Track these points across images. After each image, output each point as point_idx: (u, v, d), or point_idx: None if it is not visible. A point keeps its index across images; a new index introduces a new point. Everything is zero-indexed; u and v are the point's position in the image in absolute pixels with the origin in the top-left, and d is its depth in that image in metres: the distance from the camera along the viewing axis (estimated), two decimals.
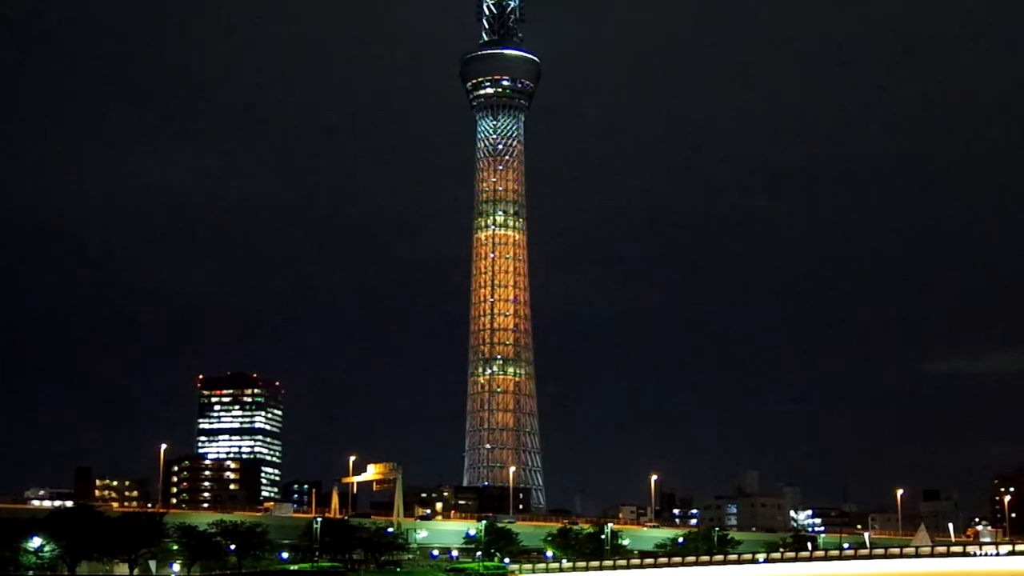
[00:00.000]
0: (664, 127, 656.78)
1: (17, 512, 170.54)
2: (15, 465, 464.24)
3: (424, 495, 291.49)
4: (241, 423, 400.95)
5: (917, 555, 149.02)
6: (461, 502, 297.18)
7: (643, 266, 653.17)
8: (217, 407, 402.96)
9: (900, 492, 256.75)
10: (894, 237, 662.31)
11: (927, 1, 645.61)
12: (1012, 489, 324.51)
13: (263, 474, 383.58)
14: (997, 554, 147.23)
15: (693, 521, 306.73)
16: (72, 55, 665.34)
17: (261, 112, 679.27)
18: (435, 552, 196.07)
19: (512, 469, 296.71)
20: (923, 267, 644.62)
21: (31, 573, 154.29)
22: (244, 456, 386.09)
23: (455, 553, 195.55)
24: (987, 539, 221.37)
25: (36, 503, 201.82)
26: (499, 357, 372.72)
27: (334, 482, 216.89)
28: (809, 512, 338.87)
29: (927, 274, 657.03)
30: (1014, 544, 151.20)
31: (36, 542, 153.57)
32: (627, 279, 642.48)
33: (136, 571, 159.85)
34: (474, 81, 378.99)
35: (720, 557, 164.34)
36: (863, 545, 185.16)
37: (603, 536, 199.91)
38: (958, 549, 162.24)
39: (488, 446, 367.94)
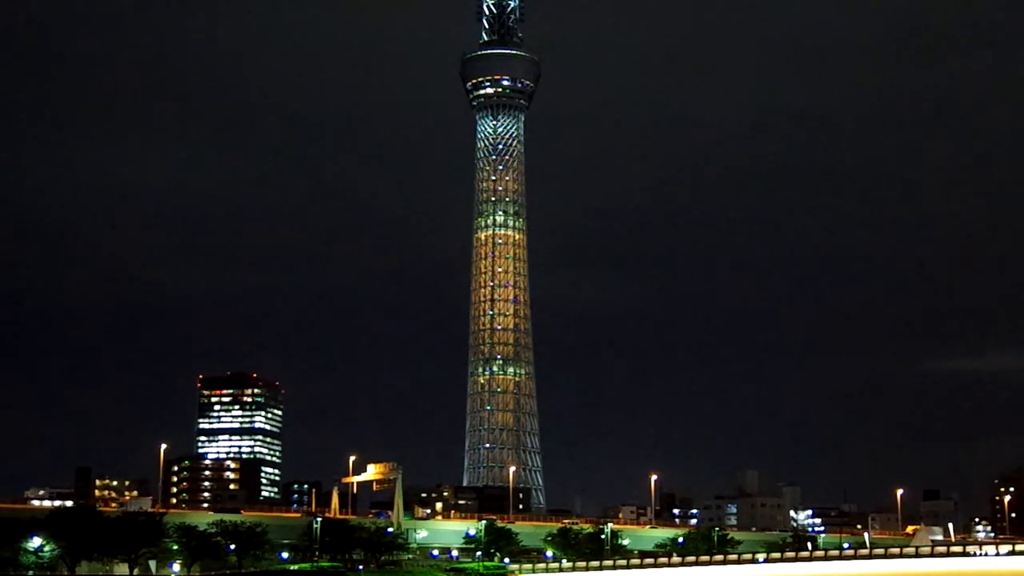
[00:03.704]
0: (664, 127, 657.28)
1: (17, 512, 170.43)
2: (15, 465, 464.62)
3: (424, 495, 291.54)
4: (241, 423, 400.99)
5: (917, 555, 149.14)
6: (461, 502, 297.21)
7: (643, 266, 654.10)
8: (217, 407, 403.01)
9: (900, 492, 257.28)
10: (894, 236, 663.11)
11: (927, 1, 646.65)
12: (1012, 489, 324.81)
13: (263, 474, 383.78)
14: (997, 554, 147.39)
15: (693, 521, 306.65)
16: (71, 55, 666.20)
17: (260, 112, 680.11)
18: (435, 552, 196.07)
19: (512, 469, 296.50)
20: (923, 266, 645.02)
21: (31, 573, 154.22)
22: (244, 456, 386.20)
23: (455, 553, 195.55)
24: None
25: (36, 503, 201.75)
26: (499, 357, 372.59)
27: (334, 482, 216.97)
28: (809, 512, 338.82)
29: (927, 273, 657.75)
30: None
31: (36, 542, 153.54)
32: (627, 279, 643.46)
33: (136, 571, 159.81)
34: (474, 81, 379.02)
35: (720, 557, 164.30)
36: (863, 545, 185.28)
37: (603, 536, 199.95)
38: (958, 549, 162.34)
39: (488, 446, 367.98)
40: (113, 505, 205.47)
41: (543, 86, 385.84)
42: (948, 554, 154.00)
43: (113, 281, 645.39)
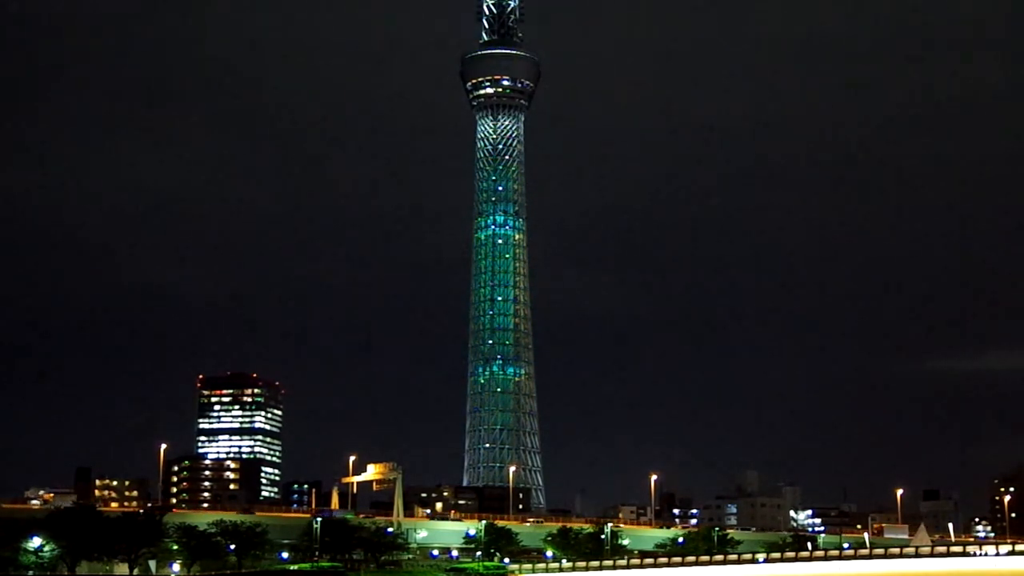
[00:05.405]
0: (663, 127, 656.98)
1: (17, 512, 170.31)
2: (15, 465, 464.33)
3: (424, 495, 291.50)
4: (241, 423, 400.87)
5: (917, 555, 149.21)
6: (461, 502, 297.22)
7: (643, 265, 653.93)
8: (217, 407, 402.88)
9: (900, 492, 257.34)
10: (894, 236, 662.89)
11: (927, 1, 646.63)
12: (1012, 489, 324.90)
13: (263, 474, 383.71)
14: (997, 554, 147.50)
15: (693, 521, 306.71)
16: (71, 54, 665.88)
17: (260, 112, 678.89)
18: (435, 552, 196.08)
19: (512, 469, 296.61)
20: (923, 266, 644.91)
21: (31, 573, 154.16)
22: (244, 456, 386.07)
23: (455, 553, 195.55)
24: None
25: (36, 503, 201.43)
26: (499, 357, 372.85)
27: (334, 482, 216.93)
28: (809, 512, 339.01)
29: (927, 273, 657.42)
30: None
31: (36, 542, 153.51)
32: (627, 279, 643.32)
33: (136, 571, 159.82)
34: (474, 81, 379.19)
35: (720, 557, 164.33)
36: (863, 545, 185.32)
37: (603, 536, 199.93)
38: (958, 549, 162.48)
39: (488, 446, 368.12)
40: (114, 505, 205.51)
41: (543, 86, 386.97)
42: (948, 554, 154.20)
43: (112, 281, 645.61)
